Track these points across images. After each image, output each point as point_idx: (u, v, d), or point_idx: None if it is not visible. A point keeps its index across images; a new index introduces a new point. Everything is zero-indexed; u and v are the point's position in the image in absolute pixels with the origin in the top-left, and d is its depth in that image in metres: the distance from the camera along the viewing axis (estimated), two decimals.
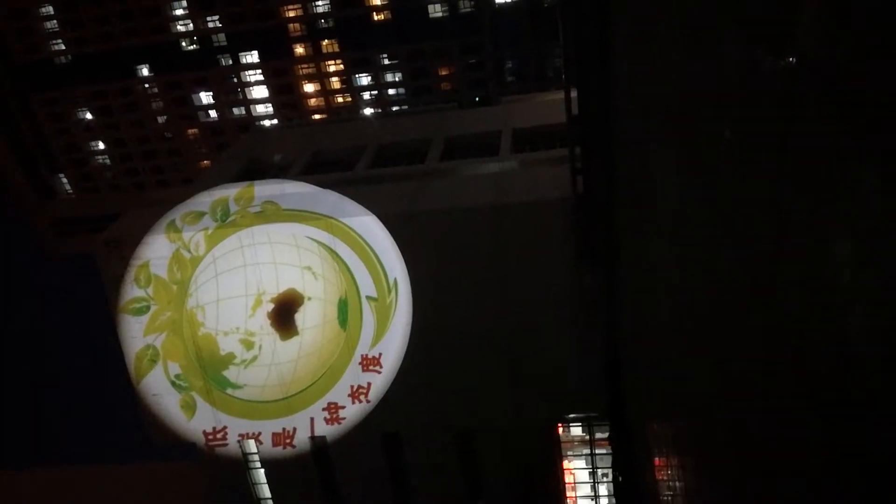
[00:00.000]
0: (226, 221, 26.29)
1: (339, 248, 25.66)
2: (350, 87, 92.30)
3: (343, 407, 26.96)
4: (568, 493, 29.51)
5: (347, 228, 25.50)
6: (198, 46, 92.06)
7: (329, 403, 27.02)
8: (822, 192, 3.88)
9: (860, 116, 3.37)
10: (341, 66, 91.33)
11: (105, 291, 26.75)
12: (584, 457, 29.21)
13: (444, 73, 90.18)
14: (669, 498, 14.20)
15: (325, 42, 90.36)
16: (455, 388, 26.66)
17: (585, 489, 29.72)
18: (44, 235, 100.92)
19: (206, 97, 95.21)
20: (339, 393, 26.93)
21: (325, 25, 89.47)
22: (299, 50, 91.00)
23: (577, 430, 29.20)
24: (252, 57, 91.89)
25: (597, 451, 28.70)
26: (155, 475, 38.23)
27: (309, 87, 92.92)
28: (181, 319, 26.84)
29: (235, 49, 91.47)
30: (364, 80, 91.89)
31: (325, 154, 32.30)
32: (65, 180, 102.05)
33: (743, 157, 5.63)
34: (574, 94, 19.44)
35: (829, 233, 3.79)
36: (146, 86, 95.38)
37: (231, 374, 27.10)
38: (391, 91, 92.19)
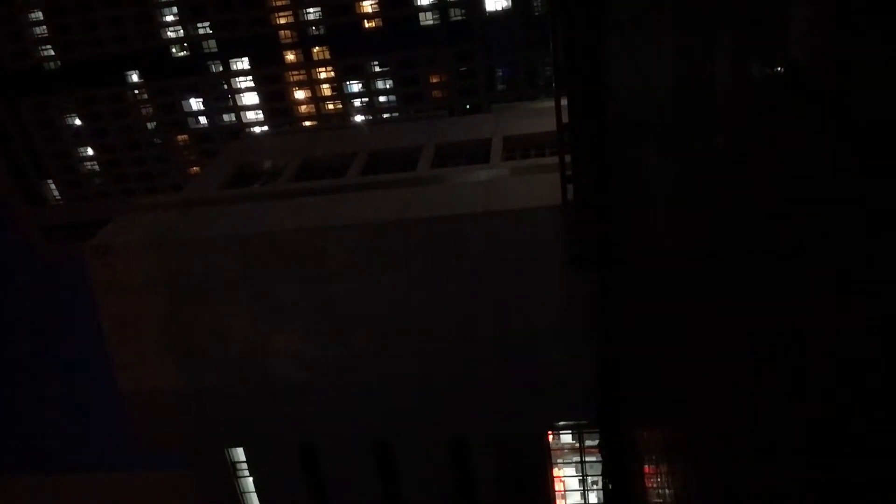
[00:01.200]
0: None
1: None
2: (341, 95, 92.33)
3: None
4: (558, 501, 29.49)
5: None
6: (188, 53, 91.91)
7: None
8: (813, 198, 3.90)
9: (851, 123, 3.38)
10: (332, 73, 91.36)
11: (93, 297, 26.58)
12: (574, 464, 29.21)
13: (435, 80, 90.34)
14: None
15: (317, 49, 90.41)
16: (445, 397, 26.61)
17: (575, 497, 29.71)
18: (33, 241, 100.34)
19: (196, 103, 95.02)
20: None
21: (317, 32, 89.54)
22: (290, 57, 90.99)
23: (567, 438, 29.20)
24: (243, 63, 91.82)
25: (587, 459, 28.71)
26: (144, 483, 37.99)
27: (300, 94, 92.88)
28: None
29: (226, 55, 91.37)
30: (355, 87, 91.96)
31: (315, 161, 32.26)
32: (53, 186, 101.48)
33: (734, 163, 5.66)
34: (564, 101, 19.50)
35: (821, 238, 3.80)
36: (136, 92, 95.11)
37: None
38: (382, 98, 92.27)
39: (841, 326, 3.61)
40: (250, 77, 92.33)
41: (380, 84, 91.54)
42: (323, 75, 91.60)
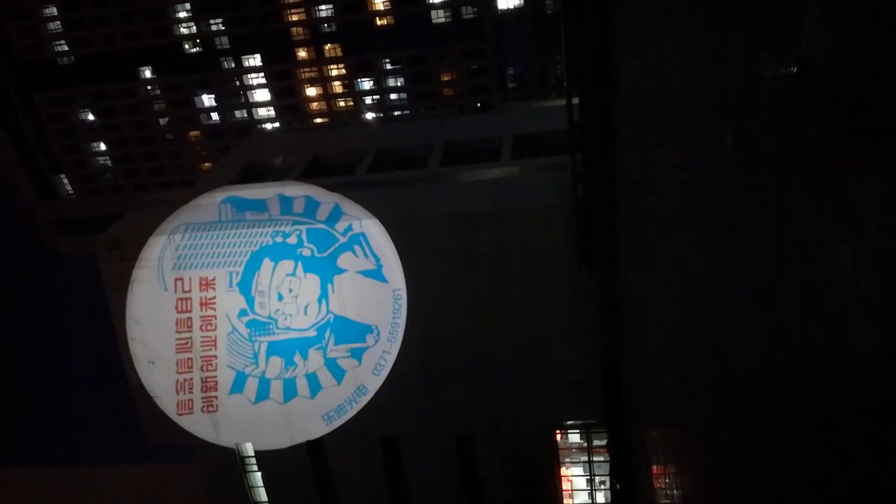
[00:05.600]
0: None
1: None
2: (352, 92, 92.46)
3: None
4: (565, 500, 29.45)
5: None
6: (200, 49, 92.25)
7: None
8: (823, 197, 3.88)
9: (862, 123, 3.36)
10: (343, 71, 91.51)
11: (104, 292, 26.74)
12: (581, 464, 29.17)
13: (446, 78, 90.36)
14: None
15: (328, 46, 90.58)
16: (453, 394, 26.63)
17: (583, 496, 29.67)
18: (45, 235, 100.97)
19: (208, 100, 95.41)
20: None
21: (328, 29, 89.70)
22: (302, 54, 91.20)
23: (575, 437, 29.17)
24: (255, 60, 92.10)
25: (595, 459, 28.66)
26: (151, 476, 38.19)
27: (311, 91, 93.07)
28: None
29: (238, 52, 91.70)
30: (366, 84, 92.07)
31: (325, 158, 32.32)
32: (66, 181, 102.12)
33: (744, 162, 5.63)
34: (575, 100, 19.44)
35: (830, 238, 3.78)
36: (148, 88, 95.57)
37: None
38: (393, 96, 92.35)
39: (850, 326, 3.59)
40: (262, 74, 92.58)
41: (391, 81, 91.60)
42: (334, 72, 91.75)
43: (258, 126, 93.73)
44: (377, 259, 25.47)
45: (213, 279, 26.28)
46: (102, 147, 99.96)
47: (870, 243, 3.32)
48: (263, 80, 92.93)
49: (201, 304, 26.43)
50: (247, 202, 26.51)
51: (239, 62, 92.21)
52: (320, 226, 25.76)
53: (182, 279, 26.28)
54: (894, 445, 3.16)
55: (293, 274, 26.08)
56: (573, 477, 29.48)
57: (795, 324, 4.49)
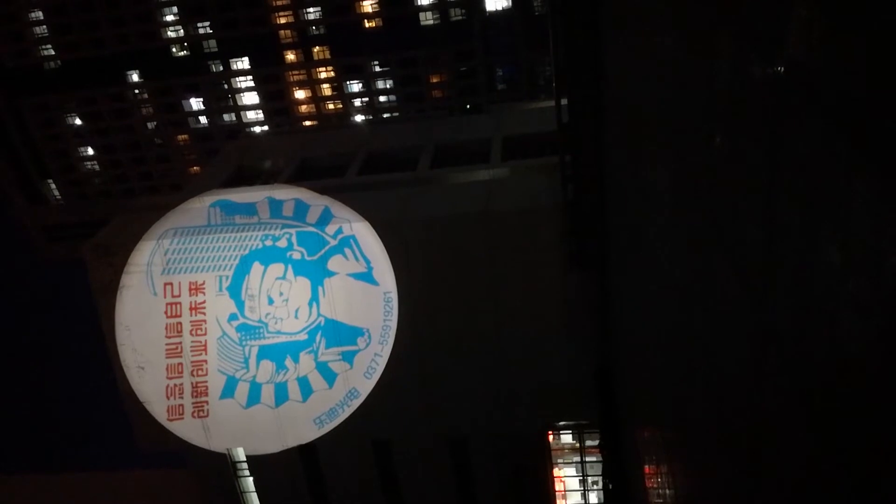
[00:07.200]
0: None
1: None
2: (341, 94, 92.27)
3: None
4: (558, 501, 29.49)
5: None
6: (188, 52, 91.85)
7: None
8: (812, 198, 3.88)
9: (850, 124, 3.37)
10: (332, 73, 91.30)
11: (93, 298, 26.58)
12: (574, 464, 29.22)
13: (435, 80, 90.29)
14: None
15: (317, 49, 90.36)
16: (445, 396, 26.61)
17: (576, 497, 29.71)
18: (33, 241, 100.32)
19: (196, 103, 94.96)
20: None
21: (317, 32, 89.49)
22: (290, 56, 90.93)
23: (567, 438, 29.21)
24: (243, 63, 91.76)
25: (587, 459, 28.71)
26: (144, 482, 37.97)
27: (300, 94, 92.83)
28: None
29: (226, 55, 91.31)
30: (355, 86, 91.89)
31: (314, 161, 32.24)
32: (54, 186, 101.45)
33: (733, 163, 5.64)
34: (564, 101, 19.49)
35: (819, 239, 3.79)
36: (136, 92, 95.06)
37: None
38: (382, 98, 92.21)
39: (841, 325, 3.59)
40: (250, 77, 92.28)
41: (380, 84, 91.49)
42: (323, 75, 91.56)
43: (247, 129, 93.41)
44: (368, 262, 25.42)
45: (203, 283, 26.18)
46: (90, 152, 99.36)
47: (859, 243, 3.32)
48: (252, 84, 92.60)
49: (191, 309, 26.31)
50: (236, 206, 26.38)
51: (227, 65, 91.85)
52: (310, 229, 25.69)
53: (171, 284, 26.16)
54: (886, 443, 3.17)
55: (283, 277, 26.01)
56: (566, 477, 29.53)
57: (786, 324, 4.50)
